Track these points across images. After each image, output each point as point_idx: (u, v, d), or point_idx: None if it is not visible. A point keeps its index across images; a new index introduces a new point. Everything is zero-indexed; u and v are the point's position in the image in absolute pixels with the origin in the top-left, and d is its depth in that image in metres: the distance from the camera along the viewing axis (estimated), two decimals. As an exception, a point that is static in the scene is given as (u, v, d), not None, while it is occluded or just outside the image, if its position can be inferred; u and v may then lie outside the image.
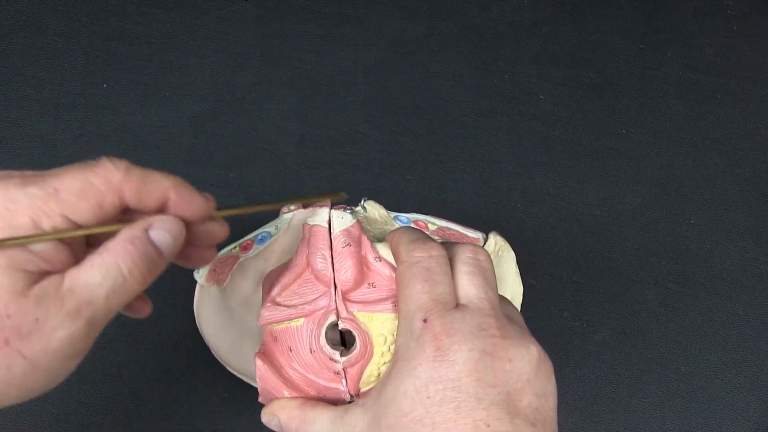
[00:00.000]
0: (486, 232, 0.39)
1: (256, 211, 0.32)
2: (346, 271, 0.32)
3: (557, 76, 0.56)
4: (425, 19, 0.57)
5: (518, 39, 0.57)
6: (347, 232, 0.33)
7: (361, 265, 0.33)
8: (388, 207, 0.50)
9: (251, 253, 0.38)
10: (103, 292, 0.25)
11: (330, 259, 0.32)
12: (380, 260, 0.33)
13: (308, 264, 0.33)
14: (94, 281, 0.24)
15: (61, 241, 0.25)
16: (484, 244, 0.39)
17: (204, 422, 0.43)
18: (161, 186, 0.26)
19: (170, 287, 0.47)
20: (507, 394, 0.27)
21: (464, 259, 0.30)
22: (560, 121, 0.55)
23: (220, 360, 0.40)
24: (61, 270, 0.25)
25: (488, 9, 0.58)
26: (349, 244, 0.32)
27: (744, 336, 0.48)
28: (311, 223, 0.33)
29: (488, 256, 0.31)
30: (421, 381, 0.27)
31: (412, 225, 0.39)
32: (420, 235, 0.31)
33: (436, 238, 0.39)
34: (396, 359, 0.29)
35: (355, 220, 0.33)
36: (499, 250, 0.40)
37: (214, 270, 0.38)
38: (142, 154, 0.50)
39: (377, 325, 0.32)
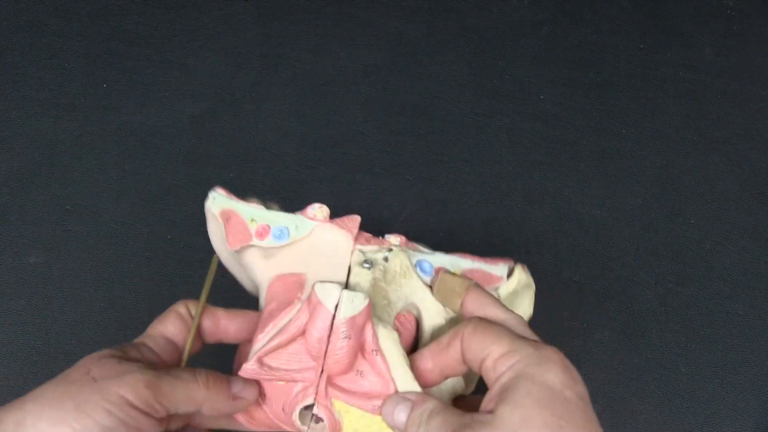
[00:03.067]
0: (511, 266, 0.39)
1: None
2: (336, 363, 0.32)
3: (557, 76, 0.56)
4: (425, 19, 0.57)
5: (518, 39, 0.57)
6: (352, 321, 0.31)
7: (355, 357, 0.32)
8: (389, 207, 0.50)
9: (264, 243, 0.37)
10: None
11: (326, 343, 0.31)
12: (377, 353, 0.32)
13: (304, 334, 0.33)
14: None
15: None
16: (509, 277, 0.39)
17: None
18: None
19: (169, 294, 0.47)
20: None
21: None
22: (560, 121, 0.55)
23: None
24: None
25: (488, 9, 0.58)
26: (348, 337, 0.31)
27: (744, 336, 0.48)
28: (319, 297, 0.32)
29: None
30: (557, 384, 0.28)
31: (433, 273, 0.38)
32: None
33: None
34: (519, 369, 0.29)
35: (365, 304, 0.32)
36: (524, 286, 0.40)
37: (227, 221, 0.38)
38: (142, 154, 0.50)
39: (351, 419, 0.32)
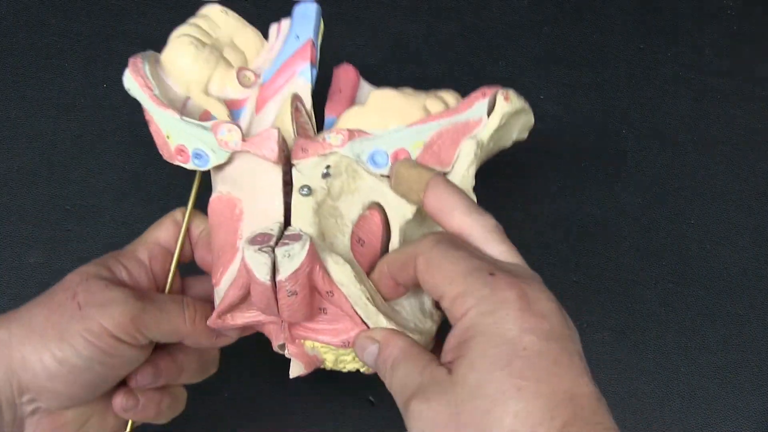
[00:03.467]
0: (492, 99, 0.34)
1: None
2: (292, 317, 0.30)
3: (557, 76, 0.56)
4: (425, 19, 0.57)
5: (518, 39, 0.57)
6: (294, 277, 0.28)
7: (309, 305, 0.30)
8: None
9: (189, 166, 0.35)
10: None
11: (274, 305, 0.29)
12: (332, 295, 0.29)
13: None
14: None
15: None
16: (491, 112, 0.33)
17: (206, 421, 0.43)
18: None
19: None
20: (580, 353, 0.27)
21: (487, 225, 0.29)
22: (560, 121, 0.55)
23: None
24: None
25: (488, 9, 0.58)
26: (294, 293, 0.28)
27: (744, 336, 0.48)
28: (251, 268, 0.28)
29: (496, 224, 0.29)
30: (514, 332, 0.25)
31: (390, 162, 0.33)
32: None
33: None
34: (473, 319, 0.26)
35: (304, 253, 0.28)
36: (511, 115, 0.34)
37: (149, 123, 0.36)
38: (142, 154, 0.50)
39: (324, 351, 0.32)
